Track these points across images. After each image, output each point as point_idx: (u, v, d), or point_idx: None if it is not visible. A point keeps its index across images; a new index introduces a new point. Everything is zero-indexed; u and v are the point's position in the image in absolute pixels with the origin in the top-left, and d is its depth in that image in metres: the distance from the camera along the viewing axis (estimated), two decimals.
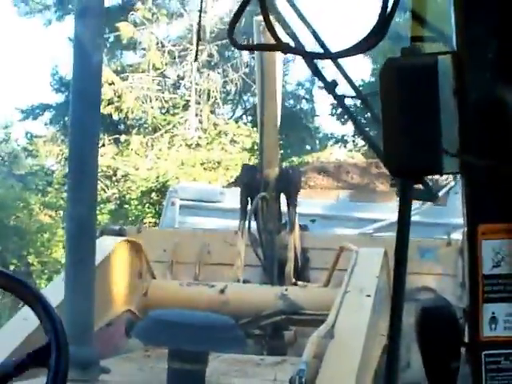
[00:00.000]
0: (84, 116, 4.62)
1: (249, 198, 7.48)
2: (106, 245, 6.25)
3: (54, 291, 4.80)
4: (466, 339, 1.87)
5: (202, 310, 5.61)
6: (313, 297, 6.83)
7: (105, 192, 23.15)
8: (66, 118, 25.24)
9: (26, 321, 4.76)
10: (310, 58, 2.93)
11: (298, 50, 2.75)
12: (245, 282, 7.35)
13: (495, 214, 1.83)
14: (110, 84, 23.76)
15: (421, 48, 1.84)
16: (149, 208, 21.16)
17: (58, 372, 1.84)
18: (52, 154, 26.25)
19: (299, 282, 7.46)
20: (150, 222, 20.13)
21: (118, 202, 22.88)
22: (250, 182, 7.46)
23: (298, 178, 7.66)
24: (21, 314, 4.99)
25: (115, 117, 24.86)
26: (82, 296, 4.59)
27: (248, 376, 5.47)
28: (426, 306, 1.91)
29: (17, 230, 21.59)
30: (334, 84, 3.02)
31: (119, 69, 26.02)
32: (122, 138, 25.13)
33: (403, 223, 1.82)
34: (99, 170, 26.43)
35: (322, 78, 3.00)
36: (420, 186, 1.94)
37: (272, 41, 1.98)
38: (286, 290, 6.91)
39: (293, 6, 3.18)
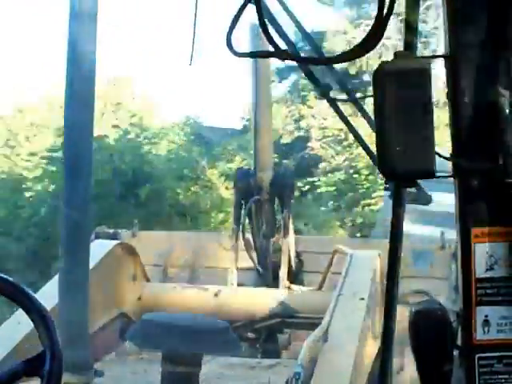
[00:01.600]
0: (78, 119, 4.61)
1: (243, 202, 7.48)
2: (100, 248, 6.25)
3: (48, 294, 4.80)
4: (459, 342, 1.87)
5: (196, 313, 5.60)
6: (307, 300, 6.84)
7: (334, 159, 20.18)
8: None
9: (19, 324, 4.75)
10: (306, 63, 2.94)
11: (295, 55, 2.75)
12: (239, 285, 7.35)
13: (488, 218, 1.83)
14: (343, 33, 21.53)
15: (414, 51, 1.85)
16: (382, 179, 17.34)
17: (51, 382, 1.83)
18: (280, 115, 21.67)
19: (293, 286, 7.46)
20: (380, 196, 16.85)
21: (349, 170, 19.54)
22: (244, 185, 7.47)
23: (291, 181, 7.66)
24: (15, 317, 4.98)
25: (351, 72, 21.22)
26: (76, 299, 4.59)
27: (242, 379, 5.47)
28: (419, 309, 1.91)
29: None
30: (328, 88, 3.02)
31: (355, 16, 23.07)
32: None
33: (397, 226, 1.83)
34: (330, 134, 21.11)
35: (316, 82, 3.01)
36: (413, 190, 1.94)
37: (267, 45, 1.98)
38: (281, 293, 6.92)
39: (288, 12, 3.19)
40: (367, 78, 20.75)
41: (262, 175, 7.35)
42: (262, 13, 1.89)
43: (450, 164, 1.89)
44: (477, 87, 1.81)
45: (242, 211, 7.46)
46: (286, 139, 21.30)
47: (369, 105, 2.27)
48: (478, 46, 1.81)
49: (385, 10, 1.74)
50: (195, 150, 18.51)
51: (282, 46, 2.00)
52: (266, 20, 1.94)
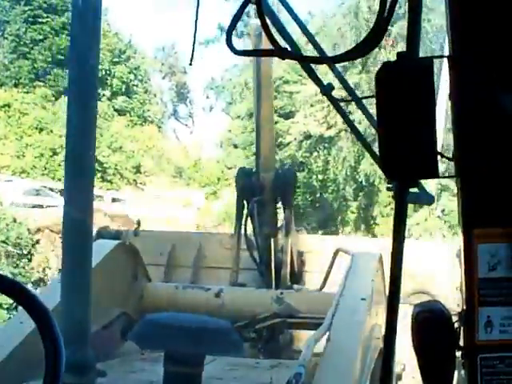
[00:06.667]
0: (81, 118, 4.61)
1: (245, 202, 7.49)
2: (102, 248, 6.25)
3: (50, 294, 4.80)
4: (462, 343, 1.87)
5: (197, 313, 5.60)
6: (308, 300, 6.83)
7: None
8: None
9: (22, 324, 4.76)
10: (307, 62, 2.94)
11: (296, 54, 2.75)
12: (240, 285, 7.35)
13: (491, 219, 1.83)
14: None
15: (416, 52, 1.85)
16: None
17: (52, 381, 1.83)
18: None
19: (295, 286, 7.46)
20: None
21: None
22: (245, 185, 7.47)
23: (293, 181, 7.67)
24: (17, 317, 4.98)
25: None
26: (78, 299, 4.58)
27: (244, 379, 5.47)
28: (421, 309, 1.91)
29: None
30: (330, 87, 3.02)
31: None
32: None
33: (399, 226, 1.83)
34: None
35: (318, 81, 3.01)
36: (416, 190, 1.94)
37: (269, 44, 1.98)
38: (282, 293, 6.91)
39: (289, 10, 3.19)
40: None
41: (263, 175, 7.35)
42: (263, 12, 1.89)
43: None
44: (479, 88, 1.81)
45: (244, 211, 7.47)
46: None
47: (371, 105, 2.28)
48: (481, 46, 1.81)
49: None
50: None
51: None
52: (267, 19, 1.94)
